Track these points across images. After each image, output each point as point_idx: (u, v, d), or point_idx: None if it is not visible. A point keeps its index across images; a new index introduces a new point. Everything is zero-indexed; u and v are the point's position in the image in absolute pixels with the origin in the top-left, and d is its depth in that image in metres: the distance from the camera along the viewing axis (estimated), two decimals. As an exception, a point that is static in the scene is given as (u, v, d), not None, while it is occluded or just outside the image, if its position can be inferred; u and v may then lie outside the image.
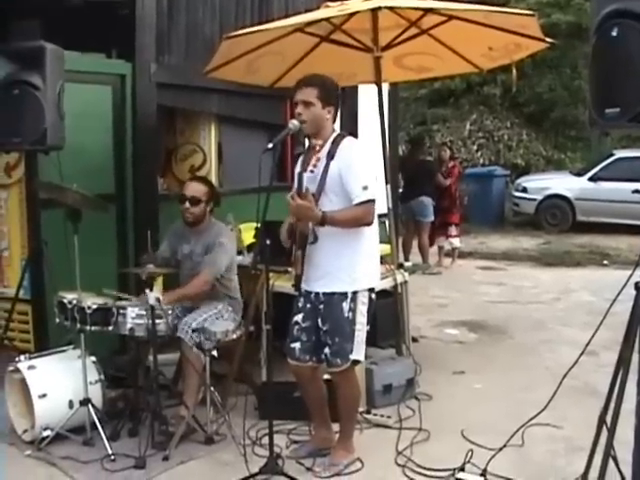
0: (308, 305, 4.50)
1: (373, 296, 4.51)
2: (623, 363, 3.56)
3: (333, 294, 4.37)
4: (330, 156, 4.36)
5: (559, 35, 15.45)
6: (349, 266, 4.36)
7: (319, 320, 4.44)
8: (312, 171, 4.39)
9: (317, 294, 4.44)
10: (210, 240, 5.43)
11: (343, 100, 4.62)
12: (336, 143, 4.38)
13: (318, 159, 4.39)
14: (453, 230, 12.04)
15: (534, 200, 16.33)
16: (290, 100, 8.57)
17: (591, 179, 15.81)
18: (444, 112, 21.01)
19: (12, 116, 5.31)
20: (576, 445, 4.73)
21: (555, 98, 19.94)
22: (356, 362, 4.46)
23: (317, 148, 4.40)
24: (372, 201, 4.28)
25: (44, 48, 5.30)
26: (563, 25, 18.84)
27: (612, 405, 3.59)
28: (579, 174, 16.41)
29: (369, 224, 4.34)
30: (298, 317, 4.53)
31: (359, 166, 4.30)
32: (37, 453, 4.71)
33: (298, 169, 4.57)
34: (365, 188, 4.23)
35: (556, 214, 16.08)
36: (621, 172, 15.42)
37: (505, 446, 4.60)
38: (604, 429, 3.68)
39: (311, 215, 4.20)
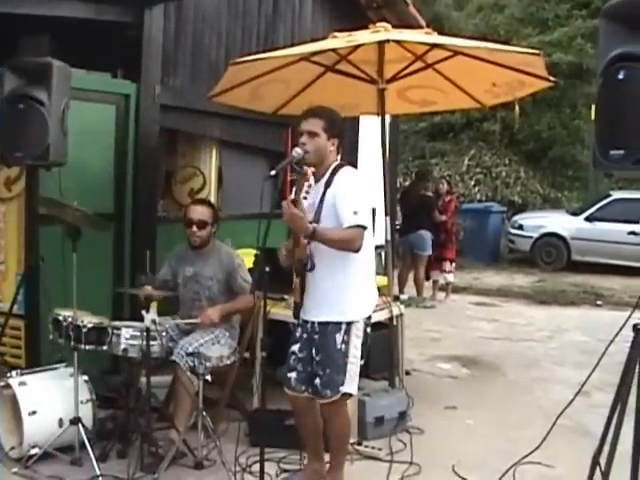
0: (305, 335, 4.47)
1: (368, 330, 4.49)
2: (619, 405, 3.55)
3: (327, 324, 4.34)
4: (327, 184, 4.36)
5: (560, 75, 15.54)
6: (344, 296, 4.35)
7: (313, 350, 4.41)
8: (305, 197, 4.25)
9: (312, 323, 4.41)
10: (225, 264, 5.49)
11: (344, 131, 4.59)
12: (334, 172, 4.39)
13: (309, 185, 4.25)
14: (447, 266, 12.05)
15: (530, 238, 16.36)
16: (292, 128, 8.67)
17: (587, 219, 15.85)
18: (443, 146, 21.11)
19: (16, 130, 5.30)
20: (567, 485, 4.71)
21: (554, 137, 20.04)
22: (348, 395, 4.42)
23: (308, 174, 4.30)
24: (362, 227, 4.23)
25: (51, 65, 5.30)
26: (564, 65, 18.99)
27: (606, 447, 3.58)
28: (575, 213, 16.47)
29: (356, 250, 4.25)
30: (295, 347, 4.50)
31: (352, 193, 4.29)
32: (24, 471, 4.66)
33: (292, 196, 4.48)
34: (355, 213, 4.19)
35: (551, 252, 16.11)
36: (617, 213, 15.48)
37: (496, 483, 4.58)
38: (597, 470, 3.66)
39: (302, 225, 4.11)
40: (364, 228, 4.25)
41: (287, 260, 4.37)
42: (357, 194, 4.32)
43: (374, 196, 4.71)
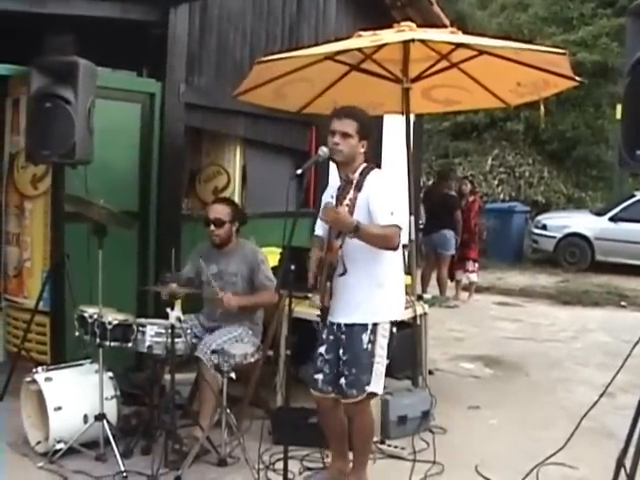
0: (331, 337, 4.47)
1: (394, 329, 4.48)
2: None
3: (354, 325, 4.35)
4: (357, 187, 4.35)
5: (584, 74, 15.39)
6: (371, 298, 4.34)
7: (340, 350, 4.41)
8: (347, 205, 4.32)
9: (339, 325, 4.42)
10: (249, 260, 5.51)
11: (374, 132, 4.60)
12: (364, 174, 4.37)
13: (356, 197, 4.30)
14: (470, 265, 12.01)
15: (553, 238, 16.25)
16: (316, 127, 8.68)
17: (611, 219, 15.72)
18: (466, 146, 21.02)
19: (42, 129, 5.37)
20: (591, 487, 4.69)
21: (578, 136, 19.90)
22: (373, 394, 4.41)
23: (353, 182, 4.35)
24: (398, 226, 4.26)
25: (77, 63, 5.36)
26: (588, 64, 18.89)
27: (631, 449, 3.55)
28: (599, 214, 16.34)
29: (394, 248, 4.29)
30: (322, 349, 4.50)
31: (387, 195, 4.31)
32: (49, 466, 4.70)
33: (331, 200, 4.46)
34: (392, 214, 4.22)
35: (575, 253, 15.99)
36: (642, 214, 15.35)
37: (520, 484, 4.57)
38: (622, 472, 3.64)
39: (347, 221, 4.13)
40: (400, 228, 4.27)
41: (316, 275, 4.37)
42: (392, 196, 4.35)
43: (401, 196, 4.72)
